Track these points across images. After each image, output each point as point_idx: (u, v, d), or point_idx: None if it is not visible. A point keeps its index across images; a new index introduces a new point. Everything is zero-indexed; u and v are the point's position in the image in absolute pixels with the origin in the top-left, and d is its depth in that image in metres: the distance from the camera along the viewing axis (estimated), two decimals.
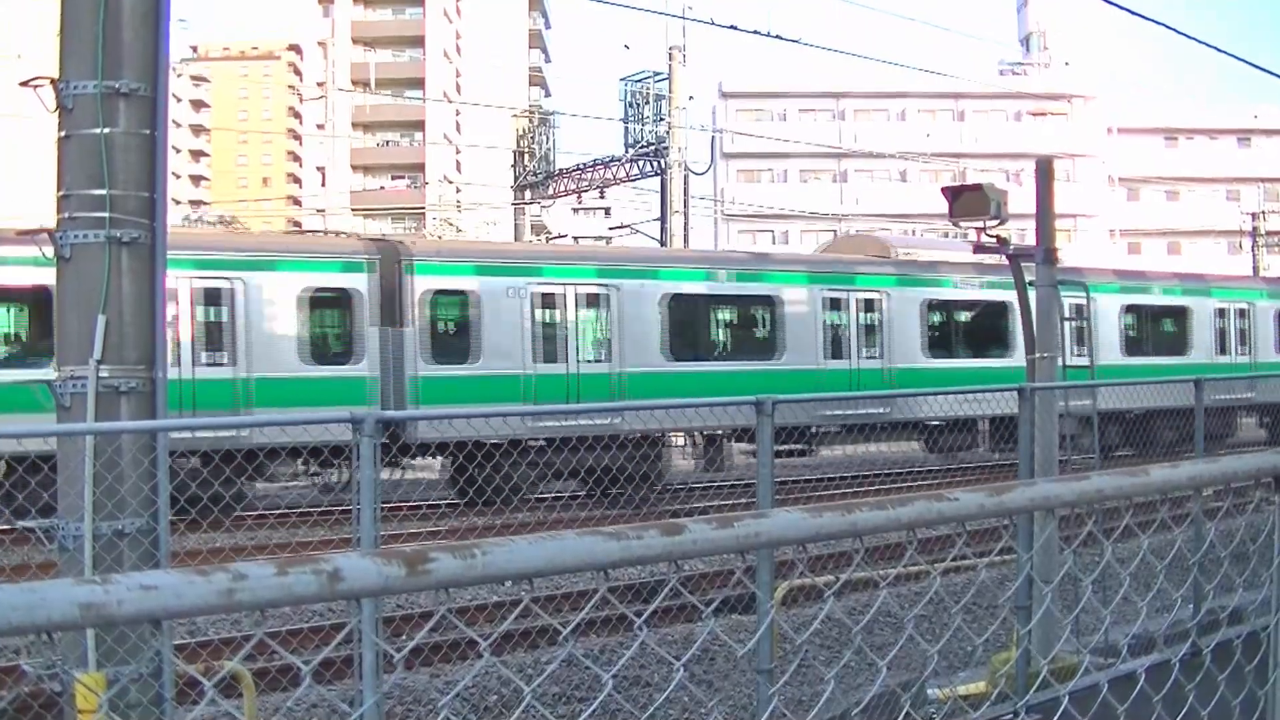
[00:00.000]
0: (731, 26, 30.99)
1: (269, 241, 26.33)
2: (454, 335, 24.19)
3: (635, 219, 53.25)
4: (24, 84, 7.65)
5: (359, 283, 22.89)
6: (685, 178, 43.22)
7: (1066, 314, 23.12)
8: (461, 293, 24.07)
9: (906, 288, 28.18)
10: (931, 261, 29.49)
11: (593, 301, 25.11)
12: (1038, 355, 11.18)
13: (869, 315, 27.86)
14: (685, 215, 42.59)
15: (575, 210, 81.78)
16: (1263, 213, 68.83)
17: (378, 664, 7.07)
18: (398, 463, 22.35)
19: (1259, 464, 3.43)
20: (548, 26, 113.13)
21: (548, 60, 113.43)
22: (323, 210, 73.02)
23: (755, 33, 31.50)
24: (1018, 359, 27.88)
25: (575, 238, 57.78)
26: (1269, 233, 67.89)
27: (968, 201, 11.55)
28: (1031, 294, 11.44)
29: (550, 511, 20.92)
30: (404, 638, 12.27)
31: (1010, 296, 26.21)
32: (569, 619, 11.44)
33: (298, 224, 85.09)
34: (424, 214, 71.37)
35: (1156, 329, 33.08)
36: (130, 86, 7.19)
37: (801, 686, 10.58)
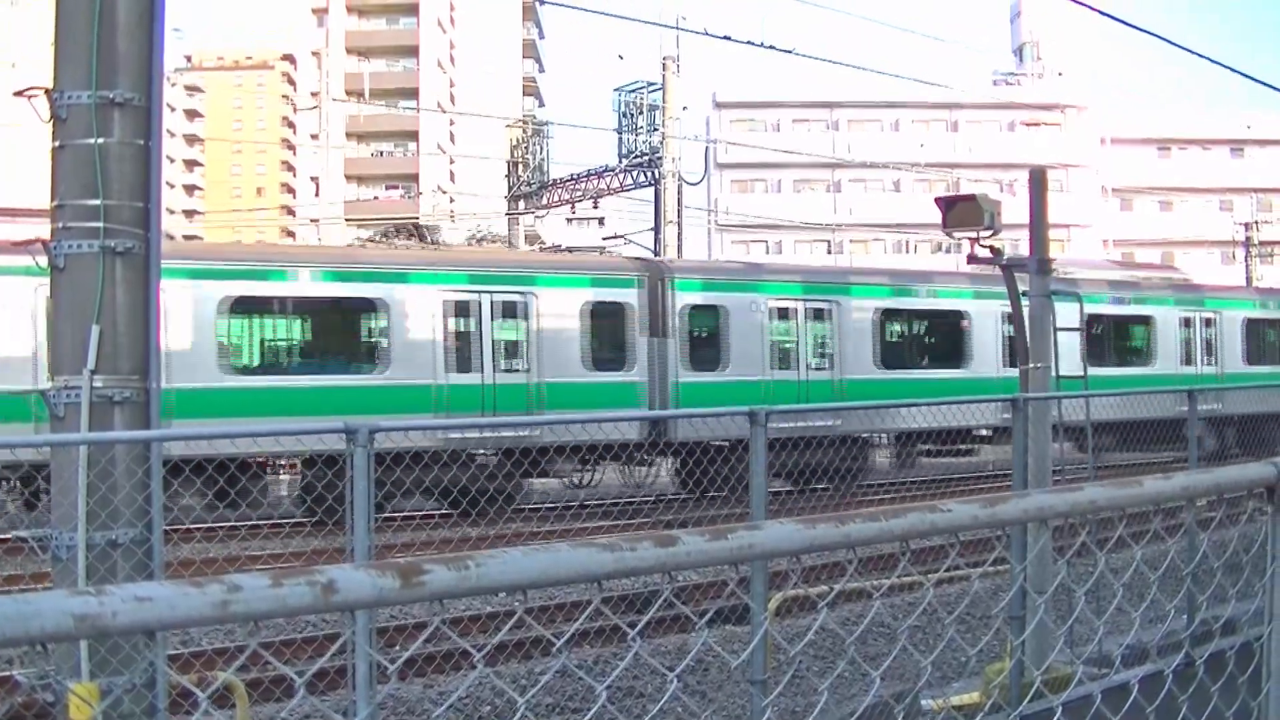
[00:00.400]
0: (725, 37, 31.09)
1: (557, 260, 28.98)
2: (707, 345, 26.58)
3: (629, 229, 53.35)
4: (18, 93, 7.65)
5: (631, 297, 25.60)
6: (679, 188, 43.32)
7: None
8: (713, 307, 26.67)
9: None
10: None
11: (819, 315, 27.76)
12: (1031, 365, 11.18)
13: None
14: (679, 225, 42.67)
15: (569, 220, 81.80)
16: (1256, 223, 68.96)
17: (371, 675, 7.06)
18: (653, 462, 25.18)
19: (1252, 475, 3.44)
20: (541, 36, 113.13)
21: (542, 70, 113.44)
22: (316, 220, 72.93)
23: (749, 43, 31.62)
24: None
25: (569, 248, 57.81)
26: (1262, 243, 68.04)
27: (961, 212, 11.55)
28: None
29: (544, 523, 20.90)
30: (397, 648, 12.26)
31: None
32: (563, 630, 11.42)
33: (291, 234, 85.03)
34: (418, 224, 71.31)
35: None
36: (125, 96, 7.19)
37: (795, 697, 10.57)
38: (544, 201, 51.14)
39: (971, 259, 12.10)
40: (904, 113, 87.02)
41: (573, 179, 49.18)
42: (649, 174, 43.89)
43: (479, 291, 24.12)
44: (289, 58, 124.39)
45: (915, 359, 29.95)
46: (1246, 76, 30.84)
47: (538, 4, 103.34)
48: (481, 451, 23.90)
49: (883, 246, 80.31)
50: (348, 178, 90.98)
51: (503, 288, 24.40)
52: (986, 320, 29.32)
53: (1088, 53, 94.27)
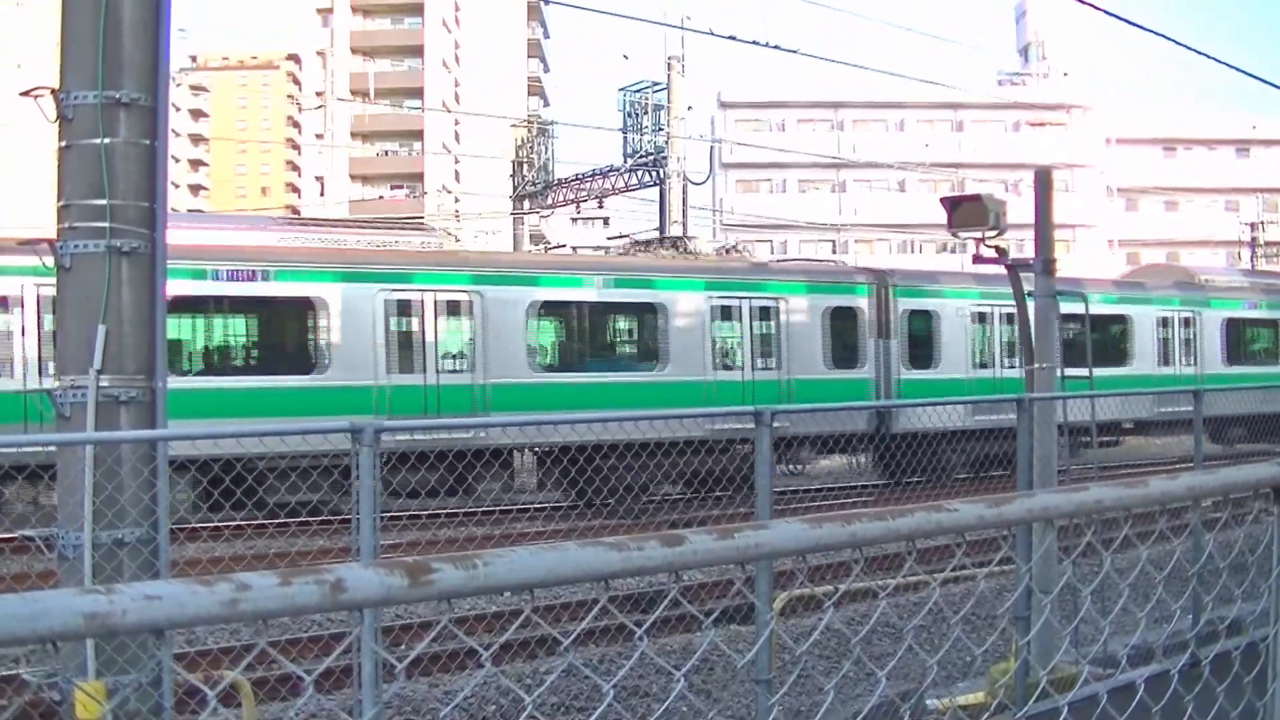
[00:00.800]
0: (730, 37, 31.01)
1: (802, 268, 30.41)
2: (922, 346, 29.19)
3: (634, 229, 53.31)
4: (24, 94, 7.67)
5: (862, 303, 28.32)
6: (684, 188, 43.29)
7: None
8: (927, 312, 29.39)
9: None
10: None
11: (1010, 319, 28.81)
12: (1036, 366, 11.18)
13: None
14: (684, 225, 42.62)
15: (574, 220, 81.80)
16: (1261, 223, 68.92)
17: (378, 673, 7.06)
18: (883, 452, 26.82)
19: (1257, 475, 3.44)
20: (546, 36, 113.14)
21: (546, 70, 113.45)
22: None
23: (754, 43, 31.57)
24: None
25: (574, 248, 57.82)
26: (1268, 243, 67.97)
27: (966, 212, 11.55)
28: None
29: (549, 522, 20.91)
30: (404, 647, 12.27)
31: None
32: (569, 629, 11.43)
33: None
34: (423, 224, 71.26)
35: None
36: (130, 96, 7.20)
37: (800, 697, 10.57)
38: (549, 201, 51.13)
39: (977, 259, 12.10)
40: (909, 113, 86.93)
41: (577, 179, 49.18)
42: (654, 174, 43.90)
43: (740, 298, 27.09)
44: (294, 57, 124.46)
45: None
46: (1252, 76, 30.90)
47: (542, 4, 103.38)
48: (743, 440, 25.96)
49: (887, 247, 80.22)
50: (353, 177, 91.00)
51: (759, 294, 27.26)
52: (1145, 322, 32.79)
53: (1093, 53, 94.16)
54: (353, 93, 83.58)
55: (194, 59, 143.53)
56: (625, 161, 45.22)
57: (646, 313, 26.63)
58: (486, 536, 19.32)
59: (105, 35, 7.14)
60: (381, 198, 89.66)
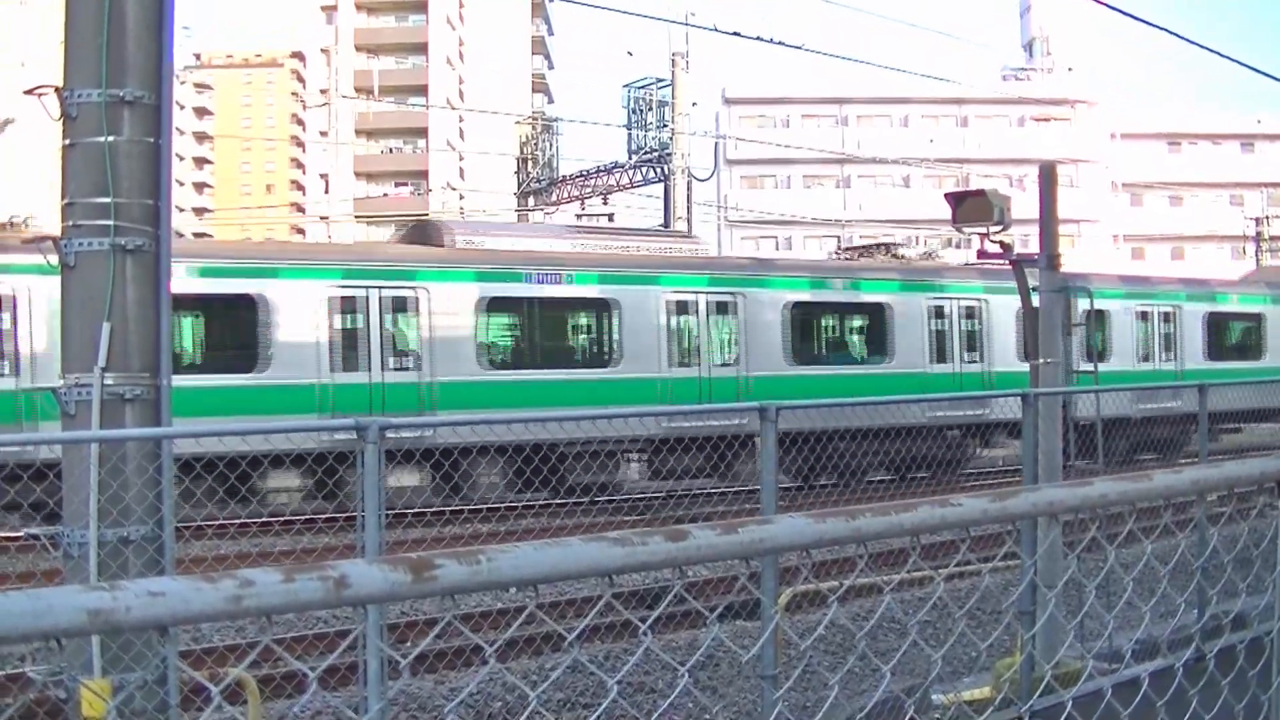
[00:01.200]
0: (734, 33, 30.99)
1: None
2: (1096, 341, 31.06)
3: (638, 225, 53.29)
4: (29, 92, 7.68)
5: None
6: (688, 184, 43.21)
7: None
8: (1101, 311, 30.46)
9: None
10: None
11: (1166, 318, 33.58)
12: (1041, 361, 11.17)
13: None
14: (689, 222, 42.57)
15: (579, 216, 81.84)
16: (1266, 217, 68.72)
17: (383, 670, 7.07)
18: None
19: (1262, 469, 3.43)
20: (550, 33, 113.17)
21: (551, 67, 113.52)
22: (326, 217, 72.98)
23: (758, 39, 31.52)
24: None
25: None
26: (1272, 237, 67.79)
27: (971, 207, 11.54)
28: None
29: (554, 519, 20.91)
30: (408, 644, 12.28)
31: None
32: (574, 625, 11.43)
33: (301, 231, 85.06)
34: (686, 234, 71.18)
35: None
36: (134, 94, 7.21)
37: (806, 692, 10.57)
38: (553, 198, 51.11)
39: (981, 254, 12.09)
40: (913, 108, 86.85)
41: (582, 175, 49.16)
42: (658, 170, 43.86)
43: (948, 299, 30.07)
44: (298, 55, 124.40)
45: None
46: (1257, 71, 30.80)
47: (546, 1, 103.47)
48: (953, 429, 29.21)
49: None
50: (357, 175, 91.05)
51: (967, 295, 30.05)
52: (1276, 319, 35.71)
53: (1097, 48, 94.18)
54: (357, 90, 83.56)
55: (198, 57, 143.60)
56: (630, 158, 45.20)
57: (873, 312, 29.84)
58: (491, 533, 19.32)
59: (109, 34, 7.14)
60: (386, 195, 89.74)
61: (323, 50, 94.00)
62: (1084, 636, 9.67)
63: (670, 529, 2.22)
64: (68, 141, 7.32)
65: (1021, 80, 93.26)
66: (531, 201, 51.52)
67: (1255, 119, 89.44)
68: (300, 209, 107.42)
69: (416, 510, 21.42)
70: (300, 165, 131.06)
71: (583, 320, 27.35)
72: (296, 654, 11.83)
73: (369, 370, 23.29)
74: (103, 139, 7.16)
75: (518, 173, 51.77)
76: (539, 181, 50.22)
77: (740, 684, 11.33)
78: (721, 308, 27.24)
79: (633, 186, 46.88)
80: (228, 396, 21.23)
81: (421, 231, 27.43)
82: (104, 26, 7.13)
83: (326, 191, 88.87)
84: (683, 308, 26.90)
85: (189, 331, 23.60)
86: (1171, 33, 22.06)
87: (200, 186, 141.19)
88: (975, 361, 29.83)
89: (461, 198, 72.69)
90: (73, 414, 7.28)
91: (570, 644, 2.63)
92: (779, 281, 28.57)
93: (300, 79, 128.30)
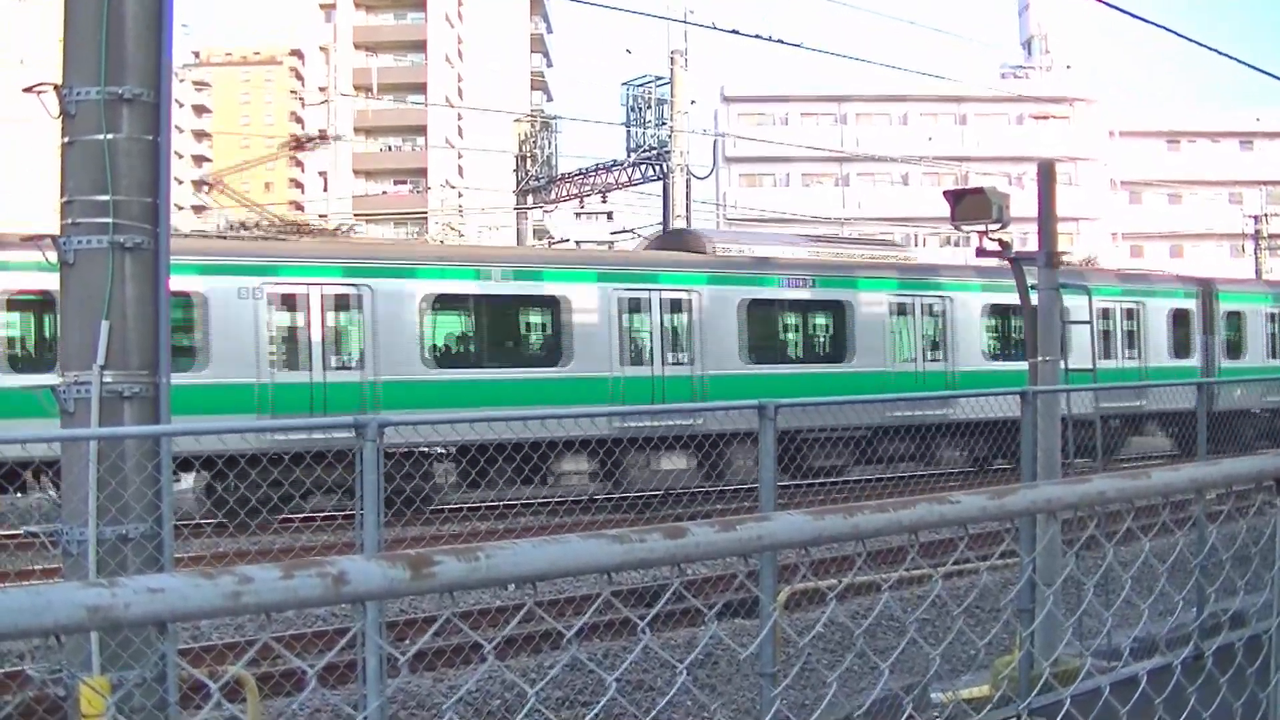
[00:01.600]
0: (733, 31, 30.99)
1: (1152, 276, 36.26)
2: (1234, 340, 35.12)
3: (637, 223, 53.31)
4: (28, 90, 7.67)
5: (1193, 305, 34.20)
6: (687, 182, 43.20)
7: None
8: (1238, 313, 35.35)
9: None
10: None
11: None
12: (1040, 359, 11.18)
13: None
14: (688, 220, 42.58)
15: (577, 215, 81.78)
16: (1265, 215, 68.72)
17: (382, 668, 7.07)
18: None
19: (1260, 467, 3.44)
20: (549, 31, 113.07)
21: (549, 65, 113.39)
22: (325, 215, 72.90)
23: (757, 37, 31.48)
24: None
25: (578, 242, 57.77)
26: (1271, 235, 67.79)
27: (970, 205, 11.55)
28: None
29: (553, 516, 20.92)
30: (407, 642, 12.28)
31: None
32: (572, 623, 11.44)
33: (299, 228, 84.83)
34: (426, 219, 71.30)
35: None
36: (133, 92, 7.20)
37: (804, 690, 10.58)
38: (552, 196, 51.04)
39: (980, 252, 12.09)
40: (912, 106, 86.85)
41: (581, 173, 49.10)
42: (657, 168, 43.81)
43: (1136, 300, 32.79)
44: (297, 53, 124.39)
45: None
46: (1256, 69, 30.78)
47: None
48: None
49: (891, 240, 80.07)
50: (356, 173, 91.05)
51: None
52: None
53: (1096, 46, 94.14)
54: (356, 88, 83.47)
55: (197, 55, 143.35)
56: (629, 156, 45.14)
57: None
58: (490, 530, 19.30)
59: (108, 31, 7.14)
60: (385, 193, 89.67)
61: (321, 48, 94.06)
62: (1082, 634, 9.68)
63: (669, 526, 2.22)
64: (66, 139, 7.31)
65: (1020, 78, 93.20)
66: (530, 199, 51.46)
67: (1254, 117, 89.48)
68: (299, 207, 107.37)
69: (416, 507, 21.40)
70: (299, 163, 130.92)
71: (820, 320, 29.64)
72: (295, 651, 11.84)
73: (651, 364, 26.03)
74: (102, 137, 7.16)
75: (516, 170, 51.63)
76: (538, 179, 50.13)
77: (739, 682, 11.34)
78: (928, 309, 29.87)
79: (631, 184, 46.81)
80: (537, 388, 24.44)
81: (679, 239, 30.30)
82: (103, 24, 7.13)
83: (325, 189, 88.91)
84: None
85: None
86: (1171, 31, 22.09)
87: (199, 184, 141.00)
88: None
89: (460, 195, 72.66)
90: (71, 412, 7.28)
91: (569, 641, 2.63)
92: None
93: (299, 77, 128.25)
